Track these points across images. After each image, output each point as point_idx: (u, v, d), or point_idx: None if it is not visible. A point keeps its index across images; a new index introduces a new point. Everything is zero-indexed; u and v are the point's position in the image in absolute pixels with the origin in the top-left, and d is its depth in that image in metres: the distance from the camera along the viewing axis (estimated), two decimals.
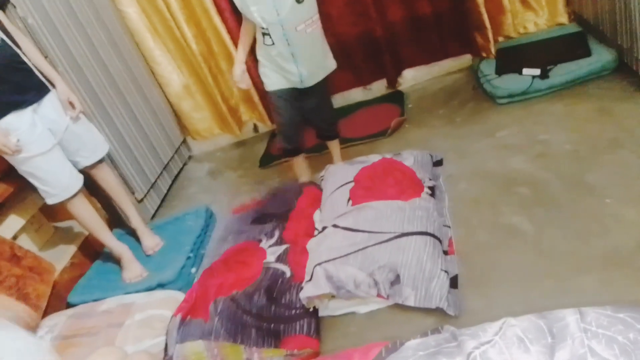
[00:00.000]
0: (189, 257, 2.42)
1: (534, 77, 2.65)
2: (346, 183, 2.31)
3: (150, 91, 3.33)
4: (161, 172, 3.23)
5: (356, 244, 1.94)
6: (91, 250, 2.67)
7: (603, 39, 2.66)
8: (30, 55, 2.16)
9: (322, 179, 2.54)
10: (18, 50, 2.10)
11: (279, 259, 2.11)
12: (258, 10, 2.13)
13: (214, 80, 3.38)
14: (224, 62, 3.32)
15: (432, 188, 2.21)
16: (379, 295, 1.79)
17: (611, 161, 2.06)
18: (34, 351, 1.44)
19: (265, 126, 3.58)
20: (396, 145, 2.77)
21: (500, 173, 2.25)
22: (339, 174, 2.42)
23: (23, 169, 2.16)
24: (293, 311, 1.85)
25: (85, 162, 2.36)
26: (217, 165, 3.49)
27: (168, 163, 3.35)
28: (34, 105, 2.14)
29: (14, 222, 2.40)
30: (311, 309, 1.86)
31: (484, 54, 3.04)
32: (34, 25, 2.44)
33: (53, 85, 2.23)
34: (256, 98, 3.41)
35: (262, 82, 2.40)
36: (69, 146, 2.27)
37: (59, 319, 2.14)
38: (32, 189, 2.26)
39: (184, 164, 3.60)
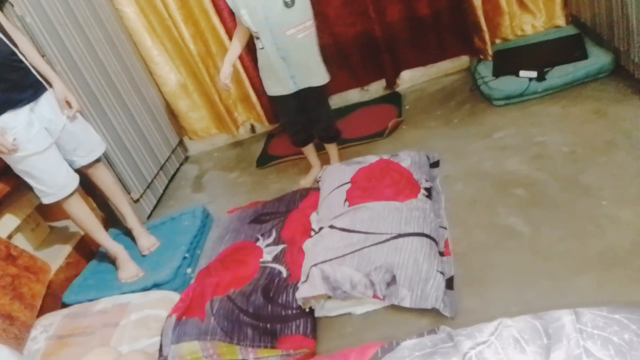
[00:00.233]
0: (185, 258, 2.41)
1: (531, 79, 2.65)
2: (343, 184, 2.31)
3: (147, 90, 3.32)
4: (158, 172, 3.23)
5: (353, 245, 1.94)
6: (87, 249, 2.67)
7: (600, 42, 2.67)
8: (28, 54, 2.16)
9: (319, 180, 2.55)
10: (15, 49, 2.09)
11: (276, 258, 2.11)
12: (248, 14, 2.13)
13: (211, 81, 3.37)
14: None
15: (428, 189, 2.21)
16: (375, 296, 1.78)
17: (607, 163, 2.06)
18: None
19: (263, 126, 3.58)
20: (393, 146, 2.78)
21: (496, 174, 2.25)
22: (336, 174, 2.42)
23: (19, 168, 2.15)
24: (290, 311, 1.84)
25: (82, 162, 2.36)
26: (214, 165, 3.48)
27: (165, 163, 3.35)
28: (31, 104, 2.13)
29: (9, 222, 2.39)
30: (307, 310, 1.86)
31: (481, 56, 3.05)
32: (32, 24, 2.44)
33: (50, 84, 2.22)
34: (254, 98, 3.41)
35: (261, 83, 2.42)
36: (66, 145, 2.27)
37: (54, 319, 2.13)
38: (28, 188, 2.25)
39: (181, 164, 3.60)
